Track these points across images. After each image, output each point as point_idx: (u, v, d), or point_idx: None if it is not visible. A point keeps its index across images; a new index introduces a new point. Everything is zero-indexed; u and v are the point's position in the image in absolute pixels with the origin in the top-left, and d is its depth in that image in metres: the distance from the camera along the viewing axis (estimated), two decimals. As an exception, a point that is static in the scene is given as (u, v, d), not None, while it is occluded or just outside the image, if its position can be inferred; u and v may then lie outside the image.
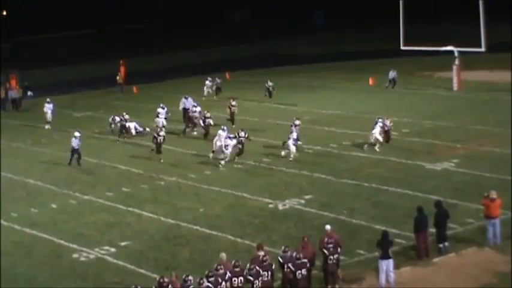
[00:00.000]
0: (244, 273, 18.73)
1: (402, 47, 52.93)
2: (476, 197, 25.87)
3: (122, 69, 61.51)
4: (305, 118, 42.01)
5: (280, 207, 27.53)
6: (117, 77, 59.35)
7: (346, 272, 20.74)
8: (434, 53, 53.32)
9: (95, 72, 70.34)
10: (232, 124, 40.39)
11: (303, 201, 27.87)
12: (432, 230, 22.21)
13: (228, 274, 18.56)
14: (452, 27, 72.14)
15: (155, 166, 34.07)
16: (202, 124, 39.17)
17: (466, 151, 32.67)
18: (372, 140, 34.32)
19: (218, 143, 33.87)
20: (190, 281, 18.23)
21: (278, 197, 28.55)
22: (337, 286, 20.04)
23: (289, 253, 19.50)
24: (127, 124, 40.05)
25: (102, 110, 50.02)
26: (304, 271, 19.11)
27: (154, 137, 35.31)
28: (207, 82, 53.43)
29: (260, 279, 18.71)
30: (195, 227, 25.79)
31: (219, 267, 18.64)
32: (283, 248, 19.82)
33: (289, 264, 19.15)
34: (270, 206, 27.74)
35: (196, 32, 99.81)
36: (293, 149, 33.46)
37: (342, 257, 20.53)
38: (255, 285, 18.61)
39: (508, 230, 22.88)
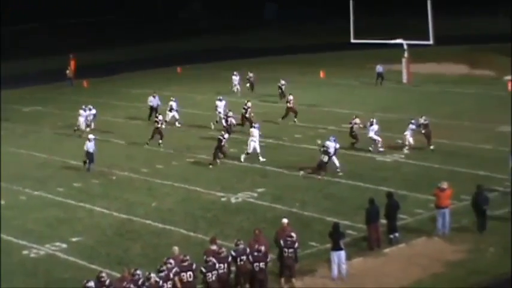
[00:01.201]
0: (194, 267, 18.68)
1: (352, 40, 53.35)
2: (426, 188, 26.31)
3: (72, 63, 60.73)
4: (257, 111, 42.13)
5: (233, 200, 27.55)
6: (67, 71, 58.62)
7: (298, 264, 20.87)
8: (384, 46, 53.87)
9: (44, 66, 69.32)
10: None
11: (255, 195, 27.93)
12: (384, 221, 22.48)
13: (176, 269, 18.50)
14: (401, 20, 72.97)
15: (106, 161, 33.75)
16: (224, 124, 36.94)
17: (416, 143, 33.07)
18: (406, 142, 32.44)
19: (252, 143, 32.38)
20: (139, 275, 18.11)
21: (231, 190, 28.56)
22: (293, 280, 20.13)
23: (241, 246, 19.53)
24: (229, 119, 37.26)
25: (51, 104, 49.37)
26: (262, 264, 19.18)
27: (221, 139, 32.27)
28: (234, 77, 48.88)
29: (215, 272, 18.72)
30: (148, 222, 25.65)
31: (168, 260, 18.59)
32: (235, 241, 19.85)
33: (249, 257, 19.22)
34: (223, 199, 27.74)
35: (148, 26, 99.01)
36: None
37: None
38: (207, 278, 18.61)
39: (457, 219, 23.26)
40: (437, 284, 19.58)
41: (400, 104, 42.03)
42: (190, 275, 18.59)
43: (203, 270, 18.69)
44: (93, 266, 21.77)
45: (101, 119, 41.95)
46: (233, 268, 19.50)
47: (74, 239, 24.35)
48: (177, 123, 39.90)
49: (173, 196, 28.45)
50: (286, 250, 19.93)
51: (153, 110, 41.59)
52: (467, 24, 74.19)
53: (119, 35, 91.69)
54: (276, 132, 37.50)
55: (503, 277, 19.65)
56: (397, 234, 22.43)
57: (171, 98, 41.14)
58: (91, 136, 33.04)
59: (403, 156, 31.72)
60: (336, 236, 20.46)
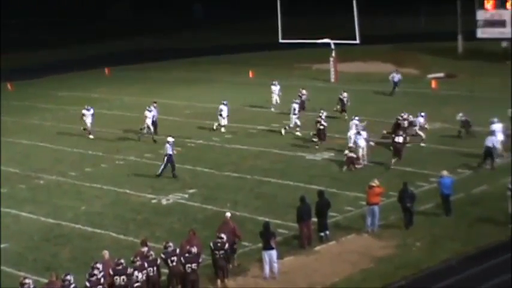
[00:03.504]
0: (128, 271, 18.55)
1: (281, 40, 53.72)
2: (355, 186, 26.74)
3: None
4: (186, 112, 42.11)
5: (164, 202, 27.41)
6: (-10, 74, 57.18)
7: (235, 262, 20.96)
8: (312, 46, 54.43)
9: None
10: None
11: (186, 196, 27.86)
12: (315, 219, 22.71)
13: (110, 272, 18.35)
14: (329, 20, 73.82)
15: (33, 165, 33.12)
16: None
17: (345, 141, 33.50)
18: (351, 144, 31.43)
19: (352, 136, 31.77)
20: (69, 281, 17.85)
21: (161, 192, 28.40)
22: (226, 281, 20.18)
23: (170, 248, 19.48)
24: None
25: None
26: (194, 265, 19.16)
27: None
28: (273, 87, 43.26)
29: (145, 273, 18.62)
30: (77, 226, 25.28)
31: (98, 264, 18.40)
32: (164, 243, 19.80)
33: (181, 258, 19.19)
34: (153, 201, 27.56)
35: (75, 26, 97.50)
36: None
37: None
38: (138, 278, 18.50)
39: (385, 216, 23.70)
40: (366, 279, 19.92)
41: (327, 103, 42.40)
42: (123, 279, 18.44)
43: (134, 271, 18.59)
44: (21, 273, 21.28)
45: (28, 122, 41.13)
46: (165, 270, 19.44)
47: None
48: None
49: (102, 199, 28.11)
50: (217, 252, 19.97)
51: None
52: (392, 23, 75.57)
53: (45, 36, 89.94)
54: (205, 132, 37.46)
55: (429, 270, 20.12)
56: (327, 232, 22.71)
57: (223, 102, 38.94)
58: (170, 139, 30.64)
59: (333, 154, 32.11)
60: (266, 235, 20.58)
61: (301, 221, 22.29)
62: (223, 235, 20.23)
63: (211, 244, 20.07)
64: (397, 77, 45.02)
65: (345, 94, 38.94)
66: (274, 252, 20.45)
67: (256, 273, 20.69)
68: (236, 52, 67.56)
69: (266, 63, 59.53)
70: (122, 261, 18.68)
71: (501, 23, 50.59)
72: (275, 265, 20.44)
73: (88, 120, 38.21)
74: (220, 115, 37.45)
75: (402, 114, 33.33)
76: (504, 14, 50.34)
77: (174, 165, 30.23)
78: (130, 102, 47.15)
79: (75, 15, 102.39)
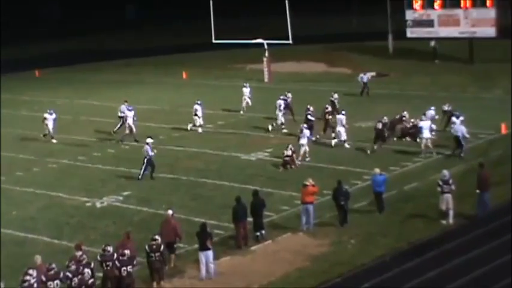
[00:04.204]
0: (61, 275, 18.32)
1: (214, 41, 53.74)
2: (290, 185, 26.96)
3: None
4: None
5: (98, 205, 27.12)
6: None
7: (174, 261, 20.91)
8: (245, 46, 54.63)
9: None
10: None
11: (121, 198, 27.63)
12: (251, 219, 22.81)
13: (43, 278, 18.10)
14: (262, 20, 74.19)
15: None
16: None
17: (279, 140, 33.77)
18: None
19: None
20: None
21: (95, 194, 28.09)
22: (162, 283, 20.10)
23: (108, 252, 19.31)
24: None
25: None
26: (129, 268, 19.03)
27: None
28: (244, 89, 41.64)
29: (80, 277, 18.43)
30: (9, 231, 24.75)
31: (30, 271, 18.12)
32: (103, 246, 19.63)
33: (115, 261, 19.02)
34: (88, 204, 27.24)
35: (5, 28, 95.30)
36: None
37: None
38: (73, 283, 18.33)
39: (321, 214, 23.97)
40: (302, 277, 20.12)
41: (262, 103, 42.65)
42: (57, 283, 18.23)
43: (69, 275, 18.41)
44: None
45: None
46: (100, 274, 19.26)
47: None
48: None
49: (35, 203, 27.63)
50: (152, 254, 19.89)
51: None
52: (324, 23, 76.40)
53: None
54: (140, 134, 37.13)
55: (364, 267, 20.46)
56: (263, 232, 22.83)
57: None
58: (149, 140, 30.29)
59: (267, 154, 32.29)
60: (203, 236, 20.60)
61: (237, 221, 22.37)
62: (157, 237, 20.17)
63: (147, 247, 19.97)
64: (365, 77, 44.28)
65: (336, 95, 38.40)
66: (210, 253, 20.48)
67: (193, 274, 20.68)
68: (169, 53, 67.26)
69: (200, 64, 59.49)
70: (54, 266, 18.46)
71: (429, 23, 51.72)
72: (211, 266, 20.47)
73: (50, 124, 37.02)
74: (196, 115, 37.06)
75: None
76: (432, 14, 51.47)
77: (154, 166, 29.73)
78: (63, 104, 46.42)
79: (4, 15, 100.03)
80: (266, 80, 50.83)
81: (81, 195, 28.20)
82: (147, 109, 43.94)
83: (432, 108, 33.11)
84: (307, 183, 23.46)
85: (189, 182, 29.14)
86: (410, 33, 52.94)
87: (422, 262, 20.44)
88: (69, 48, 77.51)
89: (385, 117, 32.23)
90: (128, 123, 36.01)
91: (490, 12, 48.42)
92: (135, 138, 35.32)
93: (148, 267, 20.10)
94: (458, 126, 30.10)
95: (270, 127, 36.19)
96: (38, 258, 19.21)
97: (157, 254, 19.91)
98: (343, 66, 54.21)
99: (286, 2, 49.23)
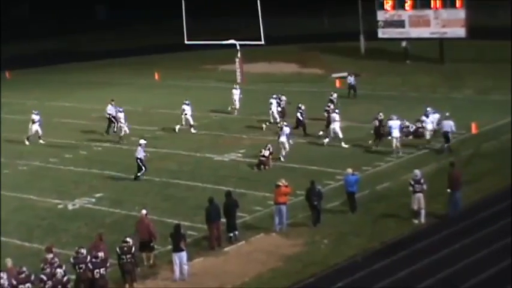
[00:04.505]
0: (32, 278, 18.19)
1: (186, 42, 53.62)
2: (263, 186, 26.98)
3: None
4: (93, 116, 41.41)
5: (70, 207, 26.94)
6: None
7: (140, 267, 20.80)
8: (217, 47, 54.56)
9: None
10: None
11: (93, 200, 27.47)
12: (224, 220, 22.80)
13: (13, 281, 17.96)
14: (234, 21, 74.16)
15: None
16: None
17: (252, 141, 33.81)
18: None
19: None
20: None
21: (67, 196, 27.90)
22: (134, 284, 20.01)
23: (81, 255, 19.19)
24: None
25: None
26: (102, 270, 18.93)
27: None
28: (234, 91, 41.29)
29: (54, 279, 18.31)
30: (-21, 234, 24.52)
31: (1, 273, 17.97)
32: (76, 249, 19.55)
33: (88, 264, 18.94)
34: (59, 206, 27.05)
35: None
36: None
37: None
38: (47, 286, 18.21)
39: (294, 214, 24.02)
40: (276, 277, 20.16)
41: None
42: (28, 286, 18.10)
43: (44, 277, 18.32)
44: None
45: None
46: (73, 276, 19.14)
47: None
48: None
49: (5, 206, 27.32)
50: (124, 256, 19.80)
51: (111, 121, 37.10)
52: (295, 24, 76.51)
53: None
54: (112, 135, 37.00)
55: (337, 267, 20.54)
56: (236, 232, 22.84)
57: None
58: (142, 141, 30.14)
59: (240, 155, 32.30)
60: (177, 237, 20.56)
61: (210, 222, 22.36)
62: (129, 239, 20.11)
63: (118, 249, 19.89)
64: (351, 79, 43.33)
65: (335, 95, 37.80)
66: (184, 254, 20.45)
67: (166, 276, 20.63)
68: (141, 54, 66.96)
69: (172, 65, 59.32)
70: (24, 269, 18.37)
71: (400, 24, 52.06)
72: (185, 267, 20.45)
73: (36, 126, 36.46)
74: (185, 115, 36.83)
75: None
76: (403, 15, 51.81)
77: (143, 169, 29.53)
78: (33, 106, 45.89)
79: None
80: (239, 80, 50.79)
81: (52, 197, 27.99)
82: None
83: (429, 109, 32.70)
84: (280, 183, 23.51)
85: (162, 183, 29.06)
86: (382, 33, 53.22)
87: (394, 261, 20.58)
88: (40, 50, 76.84)
89: (380, 114, 32.00)
90: (120, 125, 35.84)
91: (460, 13, 48.83)
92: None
93: (120, 269, 20.01)
94: (447, 122, 30.68)
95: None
96: (9, 261, 19.09)
97: (128, 256, 19.84)
98: (315, 66, 54.36)
99: (258, 2, 49.26)
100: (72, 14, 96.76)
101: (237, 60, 51.07)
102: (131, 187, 28.85)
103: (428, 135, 31.65)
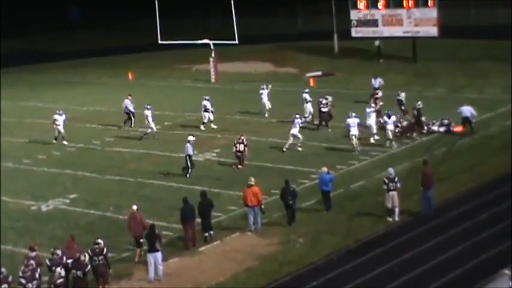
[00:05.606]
0: (9, 280, 18.08)
1: (160, 41, 53.47)
2: (238, 185, 26.97)
3: None
4: (69, 116, 41.08)
5: (44, 208, 26.76)
6: None
7: (114, 267, 20.72)
8: (192, 46, 54.46)
9: None
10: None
11: (67, 201, 27.31)
12: (199, 219, 22.78)
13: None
14: (208, 20, 74.02)
15: None
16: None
17: (227, 141, 33.78)
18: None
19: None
20: None
21: (41, 198, 27.71)
22: (106, 286, 19.92)
23: (57, 256, 19.09)
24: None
25: None
26: (79, 272, 18.85)
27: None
28: (262, 91, 39.55)
29: (35, 282, 18.26)
30: (-49, 237, 24.28)
31: None
32: (52, 250, 19.46)
33: (69, 265, 18.95)
34: (33, 208, 26.86)
35: None
36: None
37: (110, 254, 20.47)
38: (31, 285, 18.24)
39: (269, 214, 24.05)
40: (251, 277, 20.19)
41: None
42: (5, 287, 17.97)
43: (23, 281, 18.32)
44: None
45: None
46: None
47: None
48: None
49: (-22, 208, 27.12)
50: (96, 258, 19.68)
51: (130, 116, 37.75)
52: (269, 23, 76.59)
53: None
54: (86, 136, 36.81)
55: (312, 266, 20.62)
56: (211, 232, 22.84)
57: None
58: (191, 138, 29.93)
59: (215, 154, 32.29)
60: (151, 238, 20.52)
61: (185, 222, 22.34)
62: (100, 240, 19.99)
63: (89, 251, 19.78)
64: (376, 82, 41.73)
65: (330, 98, 36.55)
66: (159, 254, 20.42)
67: (141, 276, 20.58)
68: (114, 54, 66.60)
69: (146, 65, 59.09)
70: (4, 270, 18.30)
71: (373, 23, 52.32)
72: (160, 267, 20.41)
73: (60, 126, 35.79)
74: (206, 111, 36.85)
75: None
76: (376, 14, 52.07)
77: (193, 165, 29.28)
78: (5, 106, 45.61)
79: None
80: (213, 80, 50.79)
81: (26, 198, 27.79)
82: (93, 110, 43.54)
83: (389, 112, 32.75)
84: (252, 182, 23.48)
85: (137, 183, 28.97)
86: (355, 32, 53.42)
87: (369, 259, 20.70)
88: (12, 50, 76.06)
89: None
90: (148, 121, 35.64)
91: (432, 12, 49.16)
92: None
93: (92, 271, 19.87)
94: (466, 107, 32.87)
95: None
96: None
97: (100, 258, 19.72)
98: (289, 65, 54.47)
99: (232, 2, 49.25)
100: (44, 14, 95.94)
101: (211, 59, 51.03)
102: (105, 188, 28.72)
103: (391, 135, 31.66)
